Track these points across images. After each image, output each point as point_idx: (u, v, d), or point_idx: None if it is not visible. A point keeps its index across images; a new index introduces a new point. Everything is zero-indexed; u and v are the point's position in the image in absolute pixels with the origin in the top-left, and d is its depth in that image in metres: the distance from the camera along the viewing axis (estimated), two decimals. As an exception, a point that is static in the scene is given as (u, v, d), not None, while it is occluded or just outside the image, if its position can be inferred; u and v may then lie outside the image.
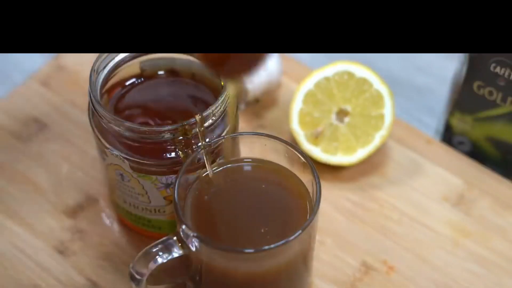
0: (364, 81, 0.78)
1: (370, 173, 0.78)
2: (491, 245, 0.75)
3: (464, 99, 0.77)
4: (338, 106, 0.78)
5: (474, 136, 0.79)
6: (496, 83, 0.74)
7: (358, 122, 0.78)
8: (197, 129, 0.65)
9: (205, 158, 0.65)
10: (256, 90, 0.79)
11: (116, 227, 0.75)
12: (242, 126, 0.80)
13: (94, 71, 0.67)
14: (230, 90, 0.65)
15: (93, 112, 0.67)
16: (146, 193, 0.68)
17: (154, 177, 0.67)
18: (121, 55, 0.69)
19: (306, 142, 0.77)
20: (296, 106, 0.78)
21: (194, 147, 0.65)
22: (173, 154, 0.66)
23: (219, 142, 0.66)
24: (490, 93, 0.75)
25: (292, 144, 0.66)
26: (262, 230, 0.65)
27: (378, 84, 0.78)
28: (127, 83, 0.71)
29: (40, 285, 0.72)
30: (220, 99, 0.65)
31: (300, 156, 0.65)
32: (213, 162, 0.66)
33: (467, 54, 0.74)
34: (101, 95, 0.68)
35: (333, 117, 0.78)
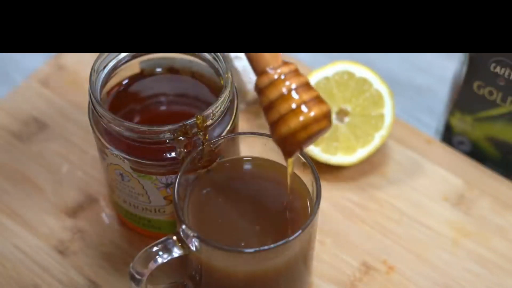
0: (364, 81, 0.78)
1: (370, 173, 0.78)
2: (491, 245, 0.75)
3: (464, 99, 0.77)
4: (338, 106, 0.78)
5: (474, 136, 0.79)
6: (496, 83, 0.74)
7: (358, 122, 0.78)
8: (197, 129, 0.65)
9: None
10: (256, 90, 0.79)
11: (116, 227, 0.75)
12: (242, 126, 0.80)
13: (94, 71, 0.67)
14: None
15: (93, 112, 0.67)
16: (146, 193, 0.68)
17: (154, 177, 0.67)
18: (121, 55, 0.69)
19: (306, 142, 0.77)
20: (296, 106, 0.78)
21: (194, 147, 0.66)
22: (173, 154, 0.66)
23: (219, 142, 0.66)
24: (490, 93, 0.75)
25: (292, 144, 0.66)
26: (262, 230, 0.65)
27: (378, 84, 0.78)
28: (126, 82, 0.71)
29: (40, 285, 0.72)
30: (220, 99, 0.65)
31: (300, 156, 0.65)
32: (213, 162, 0.66)
33: (467, 54, 0.74)
34: (101, 95, 0.68)
35: (333, 117, 0.78)
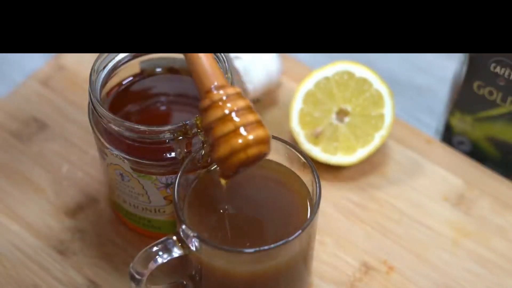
0: (364, 81, 0.78)
1: (370, 173, 0.78)
2: (491, 245, 0.75)
3: (464, 99, 0.77)
4: (338, 106, 0.78)
5: (474, 136, 0.79)
6: (496, 83, 0.74)
7: (358, 122, 0.78)
8: (197, 129, 0.65)
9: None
10: (256, 90, 0.79)
11: (116, 227, 0.75)
12: (242, 126, 0.80)
13: (94, 71, 0.67)
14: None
15: (93, 112, 0.67)
16: (146, 193, 0.68)
17: (154, 177, 0.67)
18: (121, 55, 0.69)
19: (306, 142, 0.77)
20: (296, 106, 0.78)
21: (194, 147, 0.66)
22: (173, 154, 0.66)
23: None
24: (490, 93, 0.75)
25: (292, 144, 0.66)
26: (262, 230, 0.65)
27: (378, 84, 0.78)
28: (126, 82, 0.71)
29: (40, 285, 0.72)
30: (220, 99, 0.65)
31: (300, 156, 0.65)
32: (213, 162, 0.66)
33: (467, 54, 0.74)
34: (101, 95, 0.68)
35: (333, 117, 0.78)
